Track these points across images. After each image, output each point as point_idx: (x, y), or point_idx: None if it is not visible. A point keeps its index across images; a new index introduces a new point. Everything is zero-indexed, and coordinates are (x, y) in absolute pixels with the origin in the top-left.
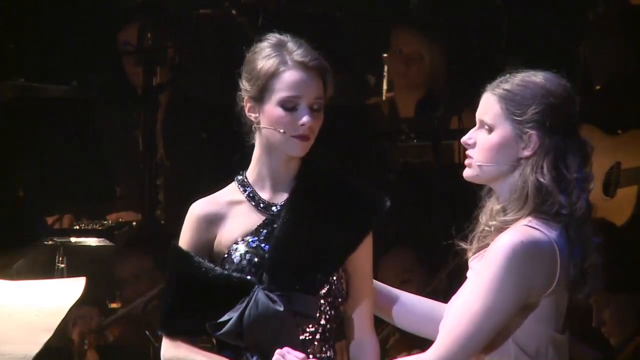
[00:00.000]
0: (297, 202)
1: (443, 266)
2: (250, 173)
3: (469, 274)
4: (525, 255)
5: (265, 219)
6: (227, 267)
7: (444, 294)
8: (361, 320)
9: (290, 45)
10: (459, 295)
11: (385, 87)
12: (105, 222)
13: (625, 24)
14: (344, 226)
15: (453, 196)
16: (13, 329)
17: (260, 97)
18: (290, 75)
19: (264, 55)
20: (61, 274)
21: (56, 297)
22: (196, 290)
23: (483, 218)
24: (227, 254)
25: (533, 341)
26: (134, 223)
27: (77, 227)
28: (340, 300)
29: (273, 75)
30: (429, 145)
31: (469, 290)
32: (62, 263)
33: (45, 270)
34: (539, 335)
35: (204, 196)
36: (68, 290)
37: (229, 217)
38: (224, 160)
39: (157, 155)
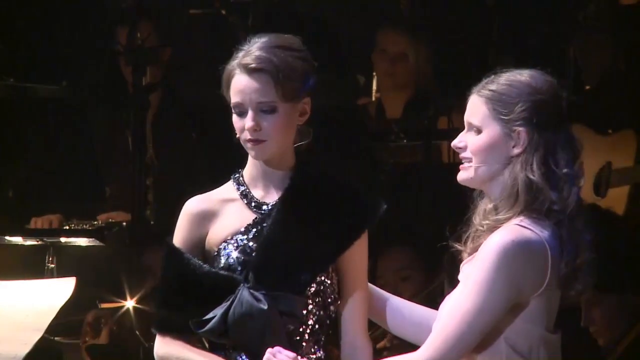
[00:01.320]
0: (288, 202)
1: (436, 266)
2: (246, 171)
3: (460, 277)
4: (516, 255)
5: (256, 218)
6: (216, 265)
7: (441, 296)
8: (353, 321)
9: (252, 47)
10: (450, 296)
11: (375, 87)
12: (95, 222)
13: (616, 24)
14: (335, 228)
15: (443, 196)
16: (3, 329)
17: (229, 102)
18: (235, 81)
19: (231, 59)
20: (51, 274)
21: (46, 297)
22: (186, 288)
23: (476, 219)
24: (217, 252)
25: (524, 341)
26: (124, 223)
27: (67, 227)
28: (330, 300)
29: (228, 80)
30: (419, 145)
31: (460, 290)
32: (52, 263)
33: (35, 270)
34: (530, 334)
35: (197, 195)
36: (58, 291)
37: (222, 214)
38: (214, 160)
39: (147, 155)
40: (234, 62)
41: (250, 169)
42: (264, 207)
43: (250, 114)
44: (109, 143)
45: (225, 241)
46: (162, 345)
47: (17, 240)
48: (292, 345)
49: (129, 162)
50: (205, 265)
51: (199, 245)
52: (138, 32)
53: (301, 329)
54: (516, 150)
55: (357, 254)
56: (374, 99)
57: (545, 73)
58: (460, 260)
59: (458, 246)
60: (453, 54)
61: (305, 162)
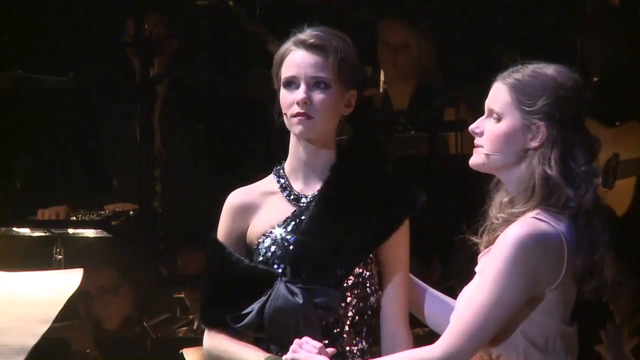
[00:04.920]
0: (326, 194)
1: (444, 259)
2: (287, 164)
3: (477, 269)
4: (532, 248)
5: (295, 211)
6: (255, 258)
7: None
8: (393, 313)
9: (308, 30)
10: (467, 289)
11: (382, 78)
12: (103, 213)
13: (623, 16)
14: (373, 219)
15: (451, 188)
16: (10, 320)
17: (277, 85)
18: (291, 57)
19: (281, 45)
20: (59, 265)
21: (54, 288)
22: (228, 283)
23: (492, 211)
24: (257, 245)
25: (541, 333)
26: (131, 213)
27: (74, 218)
28: (370, 292)
29: (281, 59)
30: (426, 136)
31: (476, 282)
32: (59, 254)
33: (43, 261)
34: (547, 327)
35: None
36: (65, 282)
37: (262, 207)
38: (221, 151)
39: (154, 146)
40: (288, 42)
41: (291, 161)
42: (303, 199)
43: (302, 87)
44: (116, 134)
45: (264, 234)
46: (208, 338)
47: (25, 231)
48: (331, 337)
49: (136, 153)
50: (244, 260)
51: (241, 238)
52: (145, 24)
53: (341, 321)
54: (533, 144)
55: (397, 245)
56: (381, 90)
57: (572, 71)
58: (475, 253)
59: (474, 239)
60: (458, 45)
61: (346, 154)
